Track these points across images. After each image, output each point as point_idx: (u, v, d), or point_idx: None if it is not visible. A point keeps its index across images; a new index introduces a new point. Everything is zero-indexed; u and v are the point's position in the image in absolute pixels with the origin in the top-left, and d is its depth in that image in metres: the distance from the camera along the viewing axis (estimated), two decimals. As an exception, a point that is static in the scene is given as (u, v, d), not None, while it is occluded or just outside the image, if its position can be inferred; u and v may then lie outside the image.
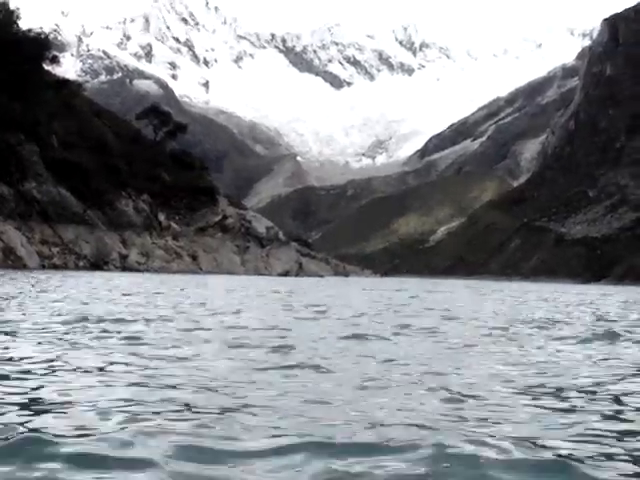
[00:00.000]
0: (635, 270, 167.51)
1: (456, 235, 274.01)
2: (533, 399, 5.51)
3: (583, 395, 5.74)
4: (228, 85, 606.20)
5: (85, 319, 10.72)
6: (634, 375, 7.00)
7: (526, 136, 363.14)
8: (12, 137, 51.33)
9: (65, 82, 68.88)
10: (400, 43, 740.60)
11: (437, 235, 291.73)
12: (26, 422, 4.04)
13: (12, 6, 59.20)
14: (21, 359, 6.71)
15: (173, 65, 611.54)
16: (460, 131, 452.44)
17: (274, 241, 75.89)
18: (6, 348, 7.41)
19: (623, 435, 4.27)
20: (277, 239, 78.47)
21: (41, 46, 62.35)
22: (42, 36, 68.68)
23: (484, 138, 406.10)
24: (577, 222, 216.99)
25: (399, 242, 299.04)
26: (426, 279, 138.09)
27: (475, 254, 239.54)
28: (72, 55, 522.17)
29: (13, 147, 51.21)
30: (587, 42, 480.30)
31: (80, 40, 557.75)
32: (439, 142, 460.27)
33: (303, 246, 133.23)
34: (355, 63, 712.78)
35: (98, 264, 50.63)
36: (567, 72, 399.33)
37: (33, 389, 5.25)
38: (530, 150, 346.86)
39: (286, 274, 68.20)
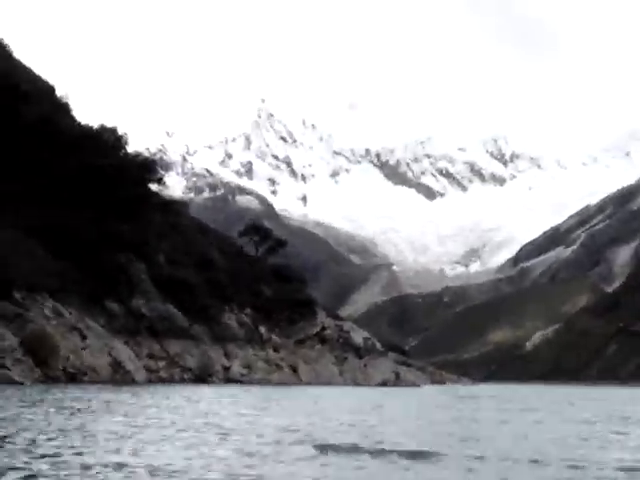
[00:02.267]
0: None
1: (552, 341, 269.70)
2: None
3: None
4: (325, 199, 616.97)
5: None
6: None
7: (618, 242, 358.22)
8: (122, 257, 53.83)
9: (171, 203, 72.12)
10: (491, 154, 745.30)
11: (533, 341, 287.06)
12: None
13: (120, 131, 61.99)
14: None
15: (272, 181, 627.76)
16: (552, 238, 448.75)
17: (371, 352, 76.44)
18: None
19: None
20: (374, 349, 79.01)
21: (148, 169, 65.27)
22: (149, 159, 72.44)
23: (576, 245, 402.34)
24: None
25: (495, 348, 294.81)
26: (525, 385, 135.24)
27: (572, 360, 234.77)
28: (177, 174, 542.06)
29: (122, 266, 53.63)
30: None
31: (184, 159, 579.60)
32: (532, 249, 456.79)
33: (400, 354, 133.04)
34: (447, 175, 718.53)
35: (202, 377, 52.06)
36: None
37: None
38: (622, 256, 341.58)
39: (384, 384, 68.44)
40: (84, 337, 44.08)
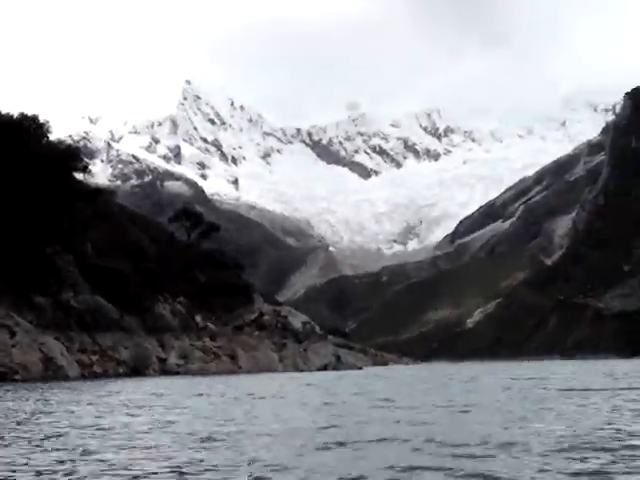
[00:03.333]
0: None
1: (493, 317, 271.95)
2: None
3: None
4: (257, 181, 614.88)
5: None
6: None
7: (556, 214, 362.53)
8: (48, 249, 52.18)
9: (98, 191, 70.15)
10: (424, 129, 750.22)
11: (473, 318, 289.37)
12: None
13: (42, 118, 60.02)
14: None
15: (202, 165, 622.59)
16: (489, 213, 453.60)
17: (311, 335, 75.71)
18: None
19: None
20: (314, 333, 78.27)
21: (72, 157, 63.44)
22: (72, 147, 70.35)
23: (514, 218, 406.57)
24: (614, 296, 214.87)
25: (435, 326, 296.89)
26: (466, 363, 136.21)
27: (514, 334, 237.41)
28: (102, 161, 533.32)
29: (49, 259, 52.00)
30: (610, 117, 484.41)
31: (109, 146, 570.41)
32: (469, 225, 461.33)
33: (340, 337, 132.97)
34: (381, 152, 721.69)
35: (138, 369, 50.73)
36: (593, 148, 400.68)
37: None
38: (561, 227, 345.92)
39: (325, 368, 67.80)
40: (13, 334, 42.60)
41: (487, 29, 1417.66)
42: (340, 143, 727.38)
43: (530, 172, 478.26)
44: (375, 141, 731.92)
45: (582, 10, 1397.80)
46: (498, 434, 10.37)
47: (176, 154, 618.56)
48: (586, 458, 8.28)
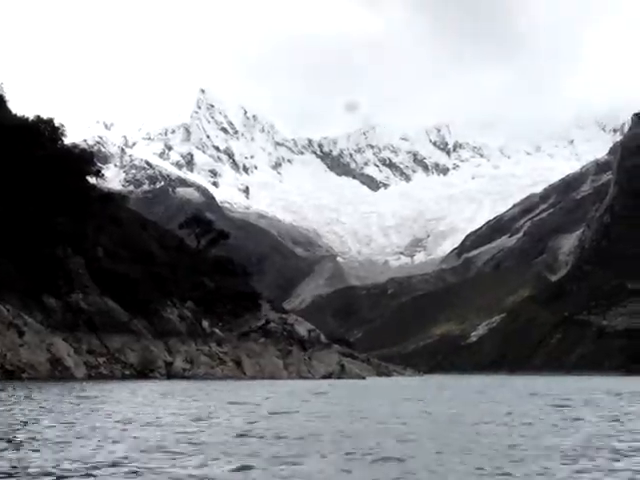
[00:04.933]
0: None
1: (497, 331, 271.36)
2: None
3: None
4: (268, 190, 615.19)
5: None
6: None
7: (562, 231, 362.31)
8: (59, 251, 52.78)
9: (110, 195, 70.90)
10: (434, 144, 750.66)
11: (478, 331, 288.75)
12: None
13: (57, 122, 60.67)
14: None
15: (214, 173, 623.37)
16: (496, 228, 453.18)
17: (316, 344, 76.28)
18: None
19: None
20: (319, 342, 78.87)
21: (86, 161, 64.17)
22: (87, 151, 71.21)
23: (520, 234, 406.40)
24: (618, 314, 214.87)
25: (440, 339, 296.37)
26: (471, 376, 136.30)
27: (517, 350, 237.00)
28: (116, 166, 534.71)
29: (60, 260, 52.58)
30: (618, 137, 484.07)
31: (123, 151, 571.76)
32: (476, 239, 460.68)
33: (345, 347, 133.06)
34: (391, 165, 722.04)
35: (144, 372, 51.28)
36: (600, 167, 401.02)
37: None
38: (567, 245, 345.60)
39: (329, 376, 68.27)
40: (22, 333, 43.14)
41: (499, 45, 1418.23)
42: (350, 155, 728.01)
43: (538, 189, 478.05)
44: (385, 154, 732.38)
45: (593, 29, 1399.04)
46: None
47: (188, 161, 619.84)
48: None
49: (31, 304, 48.44)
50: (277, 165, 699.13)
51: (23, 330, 43.49)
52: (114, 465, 8.90)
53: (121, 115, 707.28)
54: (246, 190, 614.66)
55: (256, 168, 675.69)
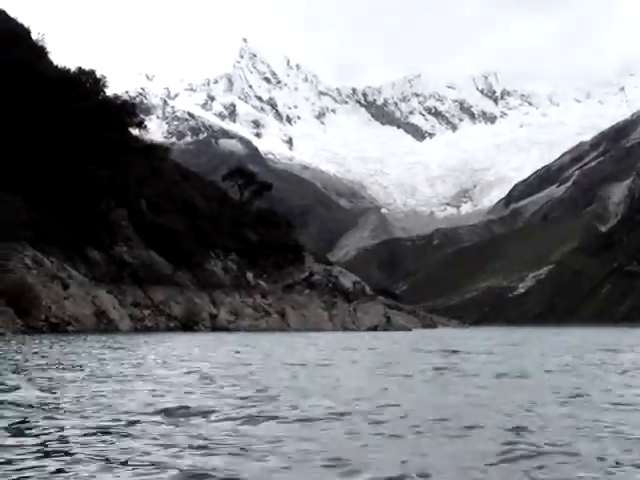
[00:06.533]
0: None
1: (545, 282, 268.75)
2: None
3: None
4: (311, 141, 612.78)
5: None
6: None
7: (612, 180, 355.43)
8: (102, 204, 52.65)
9: (152, 147, 70.51)
10: (481, 92, 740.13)
11: (525, 283, 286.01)
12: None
13: (99, 73, 60.42)
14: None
15: (257, 123, 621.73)
16: (545, 177, 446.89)
17: (361, 296, 75.92)
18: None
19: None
20: (364, 294, 78.49)
21: (128, 113, 63.88)
22: (129, 103, 70.81)
23: (569, 183, 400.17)
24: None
25: (487, 291, 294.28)
26: (516, 328, 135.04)
27: (565, 301, 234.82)
28: (158, 117, 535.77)
29: (103, 213, 52.48)
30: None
31: (165, 103, 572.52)
32: (524, 189, 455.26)
33: (390, 298, 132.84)
34: (436, 114, 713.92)
35: (189, 324, 51.27)
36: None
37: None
38: (617, 194, 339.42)
39: (374, 328, 67.88)
40: (66, 286, 43.18)
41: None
42: (395, 104, 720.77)
43: (587, 137, 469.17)
44: (431, 102, 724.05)
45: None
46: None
47: (231, 112, 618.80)
48: None
49: (75, 257, 48.48)
50: (321, 115, 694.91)
51: (67, 283, 43.52)
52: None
53: (163, 66, 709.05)
54: (289, 141, 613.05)
55: (299, 118, 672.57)
